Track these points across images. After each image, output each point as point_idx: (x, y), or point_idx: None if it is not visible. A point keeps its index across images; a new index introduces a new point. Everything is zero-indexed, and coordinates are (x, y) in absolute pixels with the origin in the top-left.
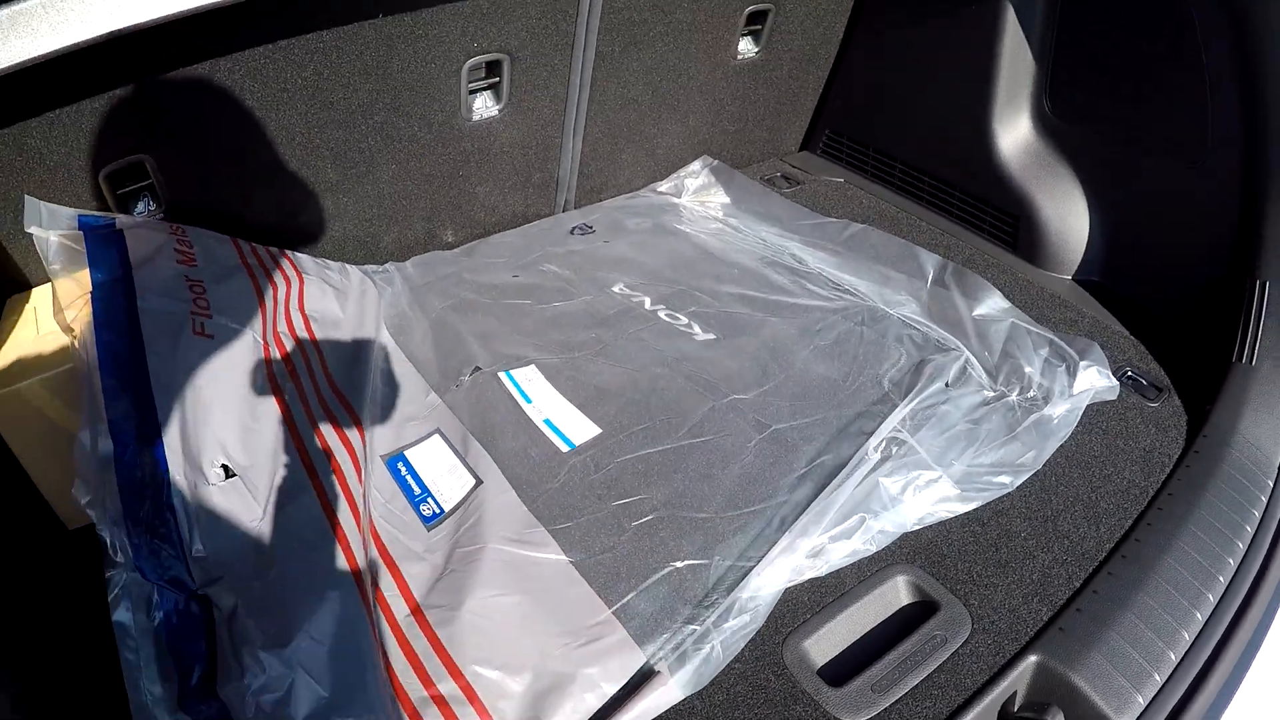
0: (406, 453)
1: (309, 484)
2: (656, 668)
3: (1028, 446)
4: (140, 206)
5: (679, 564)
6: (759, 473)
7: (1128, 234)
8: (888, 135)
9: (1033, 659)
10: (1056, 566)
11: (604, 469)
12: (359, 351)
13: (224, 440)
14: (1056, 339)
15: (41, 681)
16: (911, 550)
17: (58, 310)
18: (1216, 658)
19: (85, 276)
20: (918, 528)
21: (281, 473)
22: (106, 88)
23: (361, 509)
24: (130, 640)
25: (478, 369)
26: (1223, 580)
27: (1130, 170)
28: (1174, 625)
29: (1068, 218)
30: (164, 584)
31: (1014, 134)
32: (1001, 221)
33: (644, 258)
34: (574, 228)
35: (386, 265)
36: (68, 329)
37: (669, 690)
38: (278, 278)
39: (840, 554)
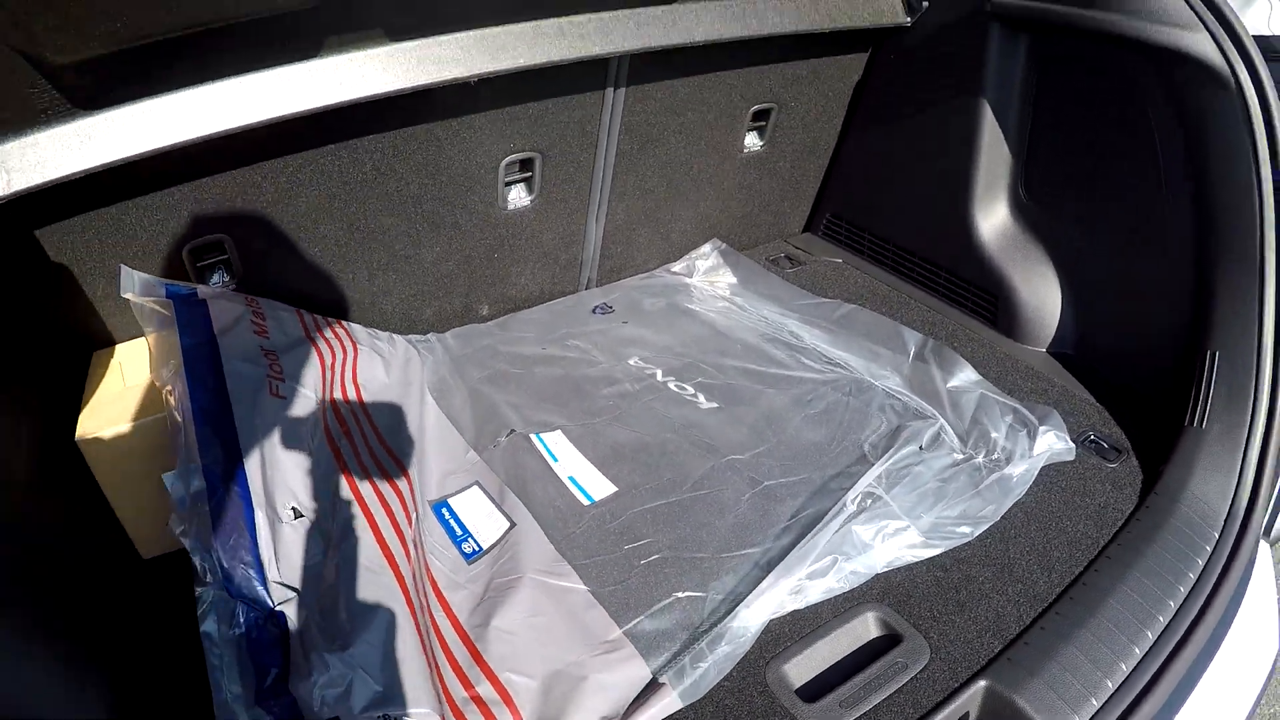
0: (449, 500)
1: (366, 524)
2: (660, 680)
3: (988, 501)
4: (216, 278)
5: (680, 595)
6: (750, 522)
7: (1095, 310)
8: (881, 220)
9: (982, 684)
10: (1009, 606)
11: (619, 519)
12: (406, 413)
13: (293, 486)
14: (1020, 407)
15: (134, 685)
16: (881, 590)
17: (154, 368)
18: (1152, 686)
19: (175, 339)
20: (886, 570)
21: (342, 515)
22: (193, 177)
23: (412, 545)
24: (215, 648)
25: (512, 431)
26: (1162, 620)
27: (1097, 253)
28: (1112, 657)
29: (1041, 296)
30: (246, 601)
31: (993, 220)
32: (982, 299)
33: (658, 335)
34: (595, 307)
35: (428, 335)
36: (163, 385)
37: (670, 700)
38: (336, 347)
39: (817, 591)
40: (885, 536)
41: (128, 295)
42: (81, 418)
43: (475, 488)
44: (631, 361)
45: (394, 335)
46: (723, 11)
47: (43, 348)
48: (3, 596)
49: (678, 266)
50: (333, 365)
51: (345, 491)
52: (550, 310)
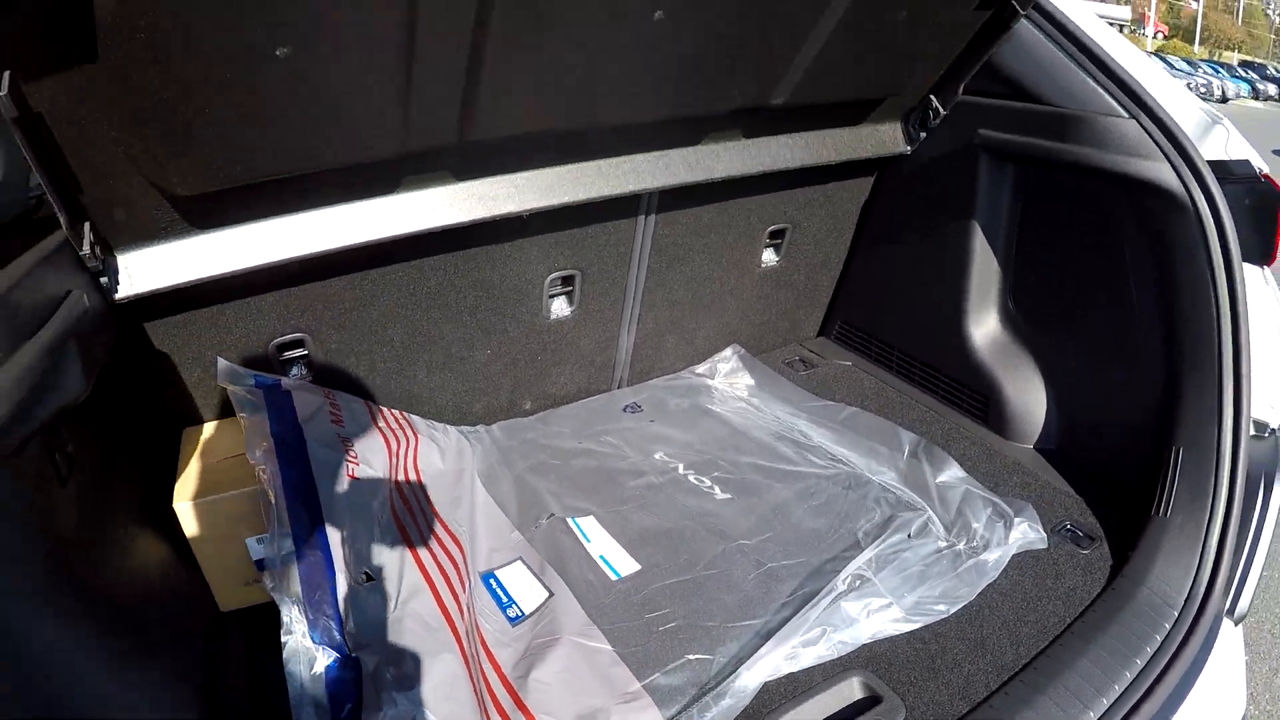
0: (496, 572)
1: (427, 588)
2: None
3: (965, 584)
4: (296, 370)
5: (691, 657)
6: (754, 598)
7: (1076, 410)
8: (886, 327)
9: None
10: (978, 674)
11: (642, 592)
12: (459, 495)
13: (366, 554)
14: (999, 501)
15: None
16: (865, 657)
17: (247, 447)
18: None
19: (265, 425)
20: (870, 641)
21: (407, 579)
22: (282, 285)
23: (465, 608)
24: (298, 686)
25: (551, 515)
26: (1118, 688)
27: (1077, 359)
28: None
29: (1028, 397)
30: (327, 647)
31: (984, 329)
32: (975, 400)
33: (681, 433)
34: (626, 405)
35: (477, 427)
36: (255, 463)
37: None
38: (399, 435)
39: (809, 658)
40: (871, 612)
41: (224, 384)
42: (177, 487)
43: (519, 562)
44: (657, 456)
45: (448, 426)
46: (741, 151)
47: (142, 423)
48: (107, 633)
49: (701, 368)
50: (397, 452)
51: (409, 560)
52: (586, 407)
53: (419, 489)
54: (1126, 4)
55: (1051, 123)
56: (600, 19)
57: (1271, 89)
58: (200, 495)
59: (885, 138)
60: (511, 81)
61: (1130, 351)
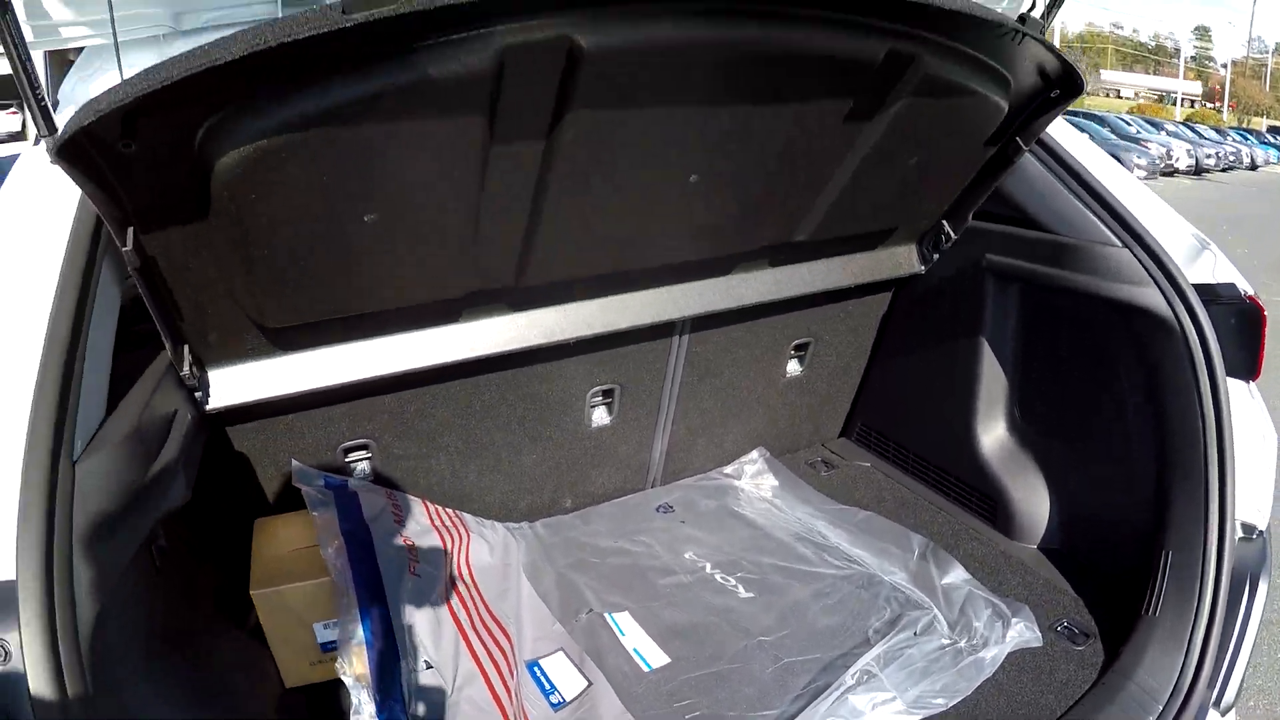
0: (540, 661)
1: (479, 674)
2: None
3: (964, 679)
4: (359, 470)
5: None
6: (771, 690)
7: (1076, 513)
8: (902, 431)
9: None
10: None
11: (671, 683)
12: (506, 589)
13: (426, 643)
14: (999, 602)
15: None
16: None
17: (321, 544)
18: None
19: (335, 523)
20: None
21: (462, 667)
22: (351, 398)
23: (513, 694)
24: None
25: (590, 610)
26: None
27: (1077, 465)
28: None
29: (1032, 500)
30: None
31: (992, 436)
32: (984, 502)
33: (709, 535)
34: (659, 505)
35: (522, 524)
36: (327, 559)
37: None
38: (453, 533)
39: None
40: (876, 705)
41: (298, 484)
42: (253, 576)
43: (560, 653)
44: (687, 556)
45: (495, 523)
46: (768, 278)
47: (220, 515)
48: (195, 705)
49: (729, 469)
50: (451, 549)
51: (463, 649)
52: (622, 506)
53: (471, 583)
54: (1197, 79)
55: (1053, 251)
56: (641, 184)
57: None
58: (275, 583)
59: (901, 259)
60: (562, 237)
61: (1125, 460)
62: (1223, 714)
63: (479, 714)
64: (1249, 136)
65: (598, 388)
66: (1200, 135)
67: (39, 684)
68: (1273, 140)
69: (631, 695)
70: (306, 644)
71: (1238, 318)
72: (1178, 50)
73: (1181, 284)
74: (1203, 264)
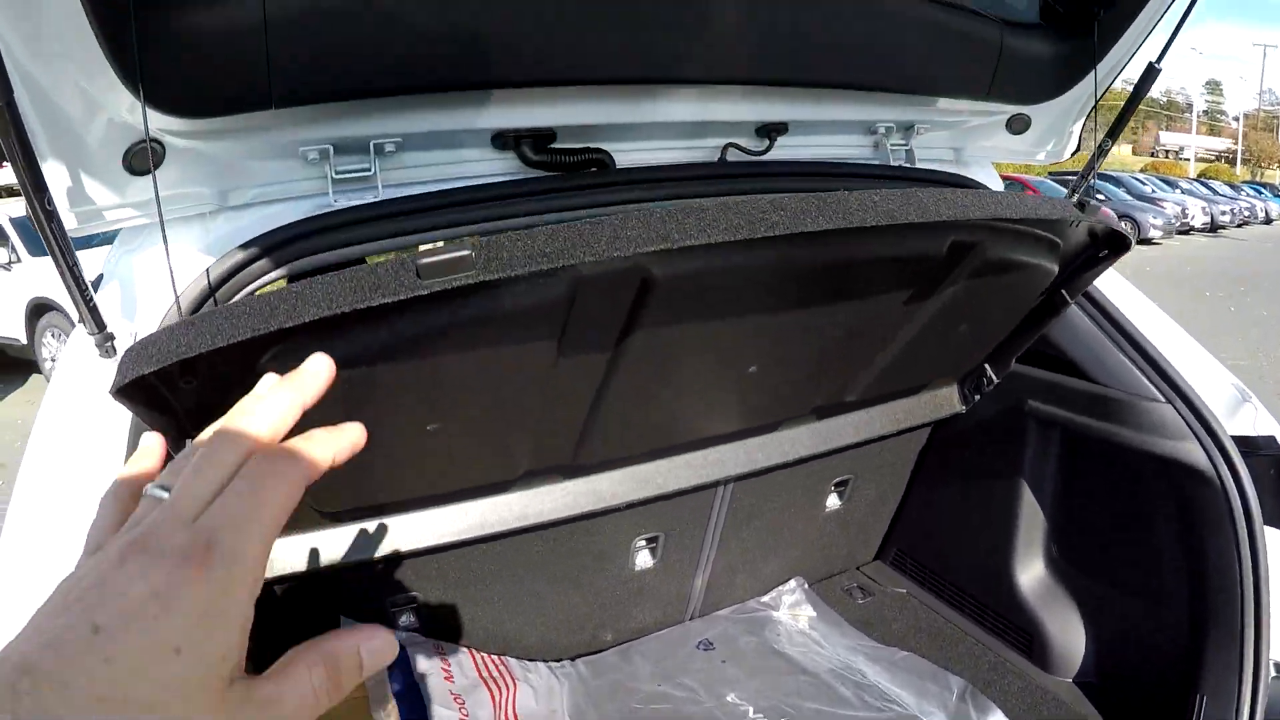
0: None
1: None
2: None
3: None
4: (405, 619)
5: None
6: None
7: (1113, 651)
8: (939, 560)
9: None
10: None
11: None
12: None
13: None
14: None
15: None
16: None
17: (373, 706)
18: None
19: (387, 684)
20: None
21: None
22: (398, 560)
23: None
24: None
25: None
26: None
27: (1114, 604)
28: None
29: (1069, 635)
30: None
31: (1030, 572)
32: (1020, 636)
33: (750, 675)
34: (699, 643)
35: (563, 661)
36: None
37: None
38: (500, 684)
39: None
40: None
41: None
42: None
43: None
44: (729, 699)
45: (539, 665)
46: (814, 432)
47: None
48: None
49: (766, 598)
50: (499, 701)
51: None
52: (663, 642)
53: None
54: (1210, 134)
55: (1096, 403)
56: (702, 377)
57: None
58: None
59: (942, 401)
60: (620, 423)
61: (1161, 603)
62: None
63: None
64: (1263, 190)
65: (643, 536)
66: (1214, 191)
67: None
68: None
69: None
70: None
71: (1277, 469)
72: (1189, 105)
73: (1223, 439)
74: (1243, 416)
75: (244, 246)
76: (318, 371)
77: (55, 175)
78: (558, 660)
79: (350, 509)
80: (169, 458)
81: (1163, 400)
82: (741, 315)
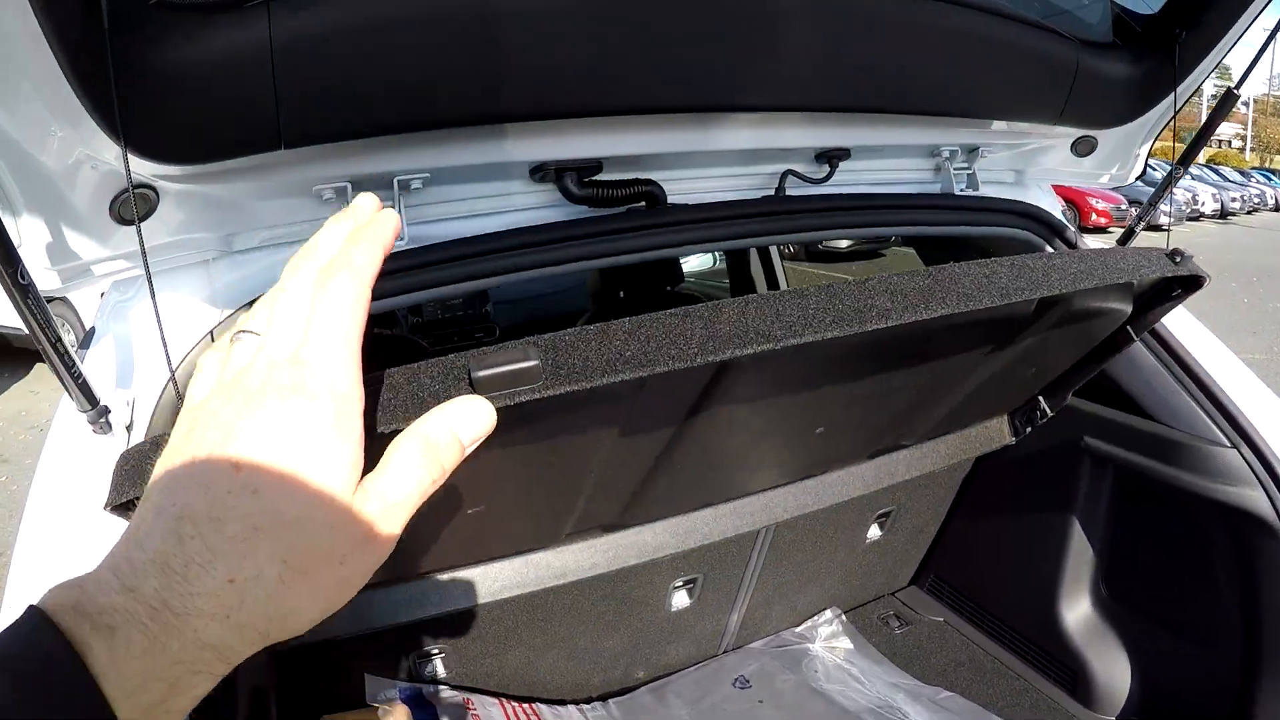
0: None
1: None
2: None
3: None
4: (430, 671)
5: None
6: None
7: (1160, 691)
8: (980, 591)
9: None
10: None
11: None
12: None
13: None
14: None
15: None
16: None
17: None
18: None
19: None
20: None
21: None
22: (428, 614)
23: None
24: None
25: None
26: None
27: (1162, 646)
28: None
29: (1114, 672)
30: None
31: (1077, 610)
32: (1064, 673)
33: (787, 717)
34: (735, 680)
35: (595, 704)
36: None
37: None
38: None
39: None
40: None
41: (373, 702)
42: None
43: None
44: None
45: (571, 708)
46: (863, 473)
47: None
48: None
49: (801, 629)
50: None
51: None
52: (698, 679)
53: None
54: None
55: (1157, 444)
56: (768, 438)
57: None
58: None
59: (992, 434)
60: (673, 485)
61: (1212, 646)
62: None
63: None
64: (1272, 177)
65: (680, 579)
66: (1224, 178)
67: None
68: None
69: None
70: None
71: None
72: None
73: None
74: None
75: (252, 304)
76: (365, 206)
77: (32, 233)
78: (588, 700)
79: (384, 580)
80: None
81: (1227, 445)
82: (818, 386)
